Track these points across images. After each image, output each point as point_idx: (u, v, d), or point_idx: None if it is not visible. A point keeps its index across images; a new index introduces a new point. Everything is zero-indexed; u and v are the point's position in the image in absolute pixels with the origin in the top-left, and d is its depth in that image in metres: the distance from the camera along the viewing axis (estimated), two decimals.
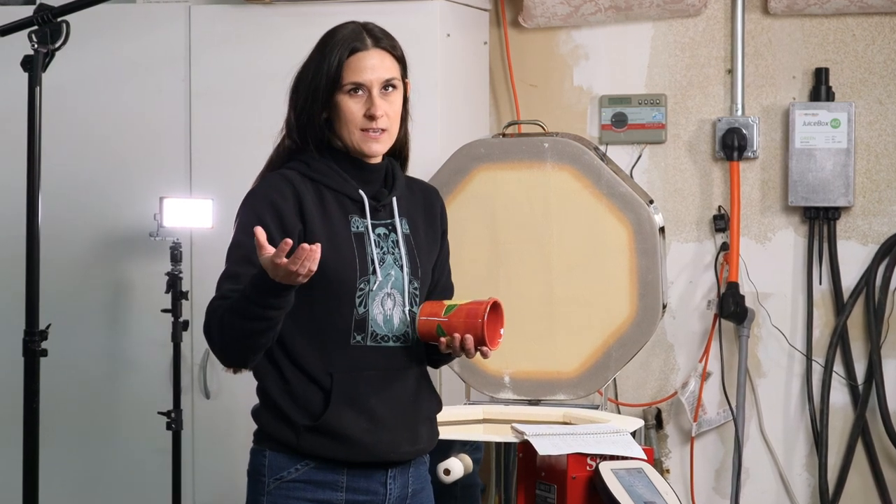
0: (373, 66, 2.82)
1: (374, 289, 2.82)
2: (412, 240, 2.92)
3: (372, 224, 2.86)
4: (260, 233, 2.60)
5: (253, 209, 2.80)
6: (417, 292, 2.90)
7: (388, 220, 2.89)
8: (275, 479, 2.84)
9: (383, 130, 2.84)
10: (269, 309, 2.66)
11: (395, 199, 2.91)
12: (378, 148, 2.86)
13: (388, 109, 2.84)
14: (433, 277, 2.99)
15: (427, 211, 2.99)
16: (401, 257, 2.88)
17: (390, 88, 2.85)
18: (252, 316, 2.67)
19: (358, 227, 2.85)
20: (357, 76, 2.81)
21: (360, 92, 2.82)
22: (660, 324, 4.34)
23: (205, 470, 4.88)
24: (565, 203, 4.25)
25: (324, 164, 2.86)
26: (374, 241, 2.85)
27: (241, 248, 2.76)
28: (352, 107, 2.82)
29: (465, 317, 2.78)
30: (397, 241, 2.89)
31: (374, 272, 2.83)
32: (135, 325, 4.90)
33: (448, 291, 3.06)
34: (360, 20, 2.89)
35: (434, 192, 3.05)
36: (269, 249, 2.59)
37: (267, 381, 2.85)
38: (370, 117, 2.82)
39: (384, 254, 2.86)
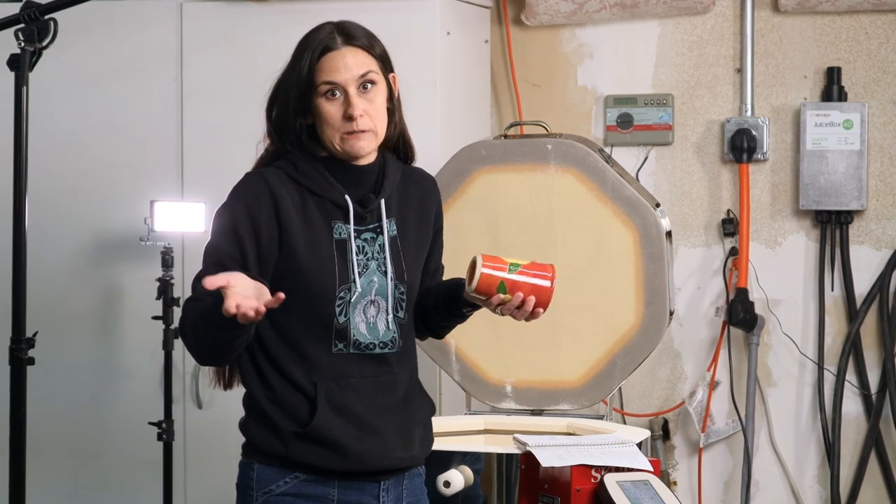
0: (345, 64, 2.78)
1: (354, 297, 2.80)
2: (399, 242, 2.89)
3: (357, 230, 2.83)
4: (217, 282, 2.57)
5: (230, 214, 2.78)
6: (404, 297, 2.87)
7: (376, 224, 2.86)
8: (263, 492, 2.82)
9: (364, 130, 2.80)
10: (231, 332, 2.66)
11: (382, 201, 2.87)
12: (364, 146, 2.81)
13: (367, 107, 2.79)
14: (431, 267, 2.98)
15: (421, 205, 2.95)
16: (385, 262, 2.85)
17: (369, 85, 2.80)
18: (217, 334, 2.68)
19: (341, 234, 2.82)
20: (329, 76, 2.78)
21: (337, 93, 2.78)
22: (667, 331, 4.33)
23: (196, 482, 4.87)
24: (569, 206, 4.24)
25: (310, 167, 2.83)
26: (358, 247, 2.82)
27: (217, 254, 2.76)
28: (330, 109, 2.79)
29: (532, 277, 2.78)
30: (383, 245, 2.86)
31: (355, 280, 2.80)
32: (125, 333, 4.90)
33: (440, 275, 3.05)
34: (336, 20, 2.85)
35: (431, 182, 3.01)
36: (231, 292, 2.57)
37: (253, 390, 2.84)
38: (349, 118, 2.78)
39: (368, 259, 2.83)
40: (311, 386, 2.77)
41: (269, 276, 2.76)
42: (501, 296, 2.77)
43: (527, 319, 2.81)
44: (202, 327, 2.68)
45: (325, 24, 2.83)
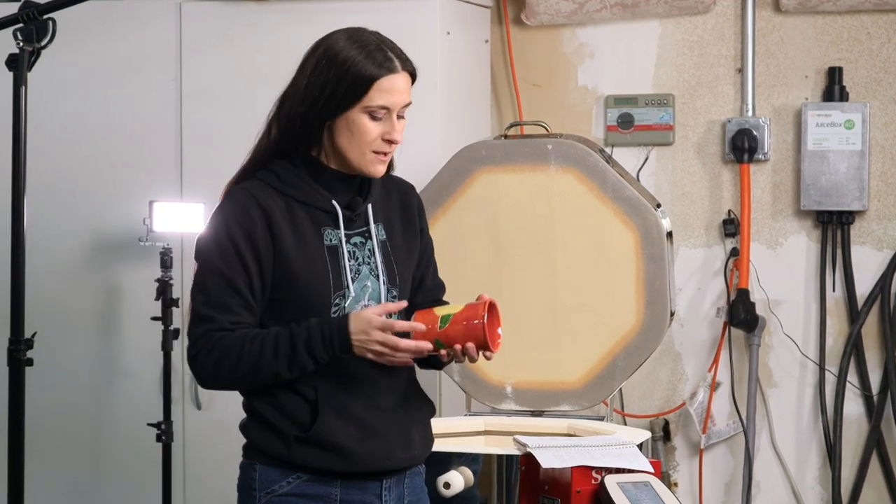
0: (400, 90, 2.79)
1: (349, 302, 2.80)
2: (389, 245, 2.90)
3: (346, 235, 2.83)
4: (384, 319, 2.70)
5: (227, 236, 2.76)
6: (397, 300, 2.87)
7: (364, 228, 2.86)
8: (266, 493, 2.82)
9: (389, 152, 2.82)
10: (319, 363, 2.73)
11: (370, 205, 2.87)
12: (383, 169, 2.84)
13: (401, 133, 2.82)
14: (417, 276, 2.98)
15: (404, 211, 2.96)
16: (377, 266, 2.85)
17: (405, 112, 2.83)
18: (291, 365, 2.73)
19: (331, 240, 2.82)
20: (386, 99, 2.76)
21: (382, 114, 2.78)
22: (667, 332, 4.31)
23: (196, 483, 4.85)
24: (569, 207, 4.22)
25: (294, 176, 2.81)
26: (349, 252, 2.83)
27: (224, 277, 2.75)
28: (371, 128, 2.77)
29: (463, 325, 2.74)
30: (373, 250, 2.86)
31: (349, 286, 2.81)
32: (124, 334, 4.89)
33: (438, 290, 3.05)
34: (369, 28, 2.84)
35: (410, 188, 3.01)
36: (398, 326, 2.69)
37: (253, 395, 2.83)
38: (389, 141, 2.79)
39: (360, 264, 2.84)
40: (312, 390, 2.78)
41: (268, 289, 2.77)
42: (443, 352, 2.76)
43: (487, 358, 2.78)
44: (266, 361, 2.71)
45: (361, 31, 2.79)
